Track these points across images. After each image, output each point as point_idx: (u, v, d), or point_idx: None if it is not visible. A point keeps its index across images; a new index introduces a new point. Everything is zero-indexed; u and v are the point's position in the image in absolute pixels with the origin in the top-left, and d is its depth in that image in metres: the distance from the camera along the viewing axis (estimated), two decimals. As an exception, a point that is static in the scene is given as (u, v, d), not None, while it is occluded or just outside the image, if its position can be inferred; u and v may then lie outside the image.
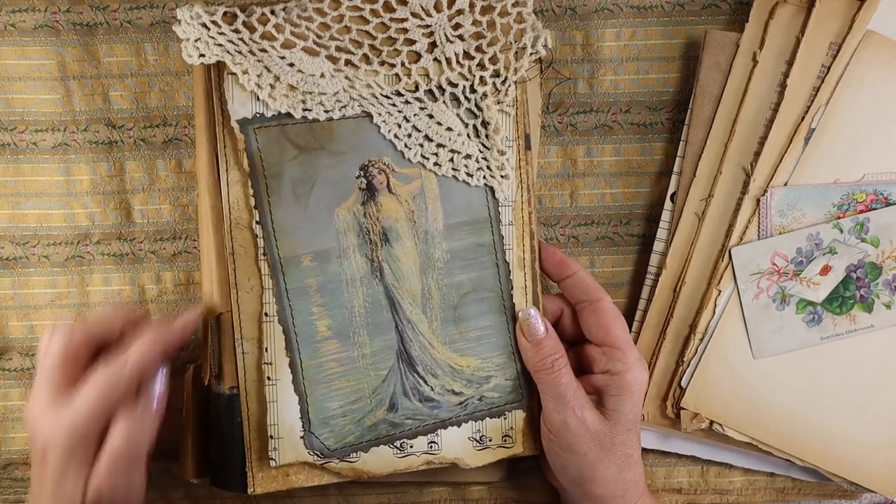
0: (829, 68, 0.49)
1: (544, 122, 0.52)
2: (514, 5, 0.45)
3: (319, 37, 0.44)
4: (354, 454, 0.46)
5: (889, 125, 0.50)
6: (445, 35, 0.45)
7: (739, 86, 0.50)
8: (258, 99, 0.44)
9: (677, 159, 0.52)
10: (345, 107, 0.45)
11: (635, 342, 0.52)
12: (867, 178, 0.50)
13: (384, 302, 0.46)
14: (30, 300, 0.52)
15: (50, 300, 0.53)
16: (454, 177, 0.47)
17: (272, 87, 0.44)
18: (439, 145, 0.46)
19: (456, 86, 0.46)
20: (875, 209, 0.50)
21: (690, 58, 0.52)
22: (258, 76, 0.44)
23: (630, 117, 0.53)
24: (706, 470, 0.55)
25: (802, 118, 0.50)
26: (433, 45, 0.46)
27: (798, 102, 0.50)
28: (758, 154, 0.50)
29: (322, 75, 0.44)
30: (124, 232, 0.52)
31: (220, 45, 0.43)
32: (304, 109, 0.44)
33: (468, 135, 0.46)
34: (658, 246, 0.52)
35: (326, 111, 0.45)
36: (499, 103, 0.46)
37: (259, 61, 0.44)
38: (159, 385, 0.43)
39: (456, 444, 0.48)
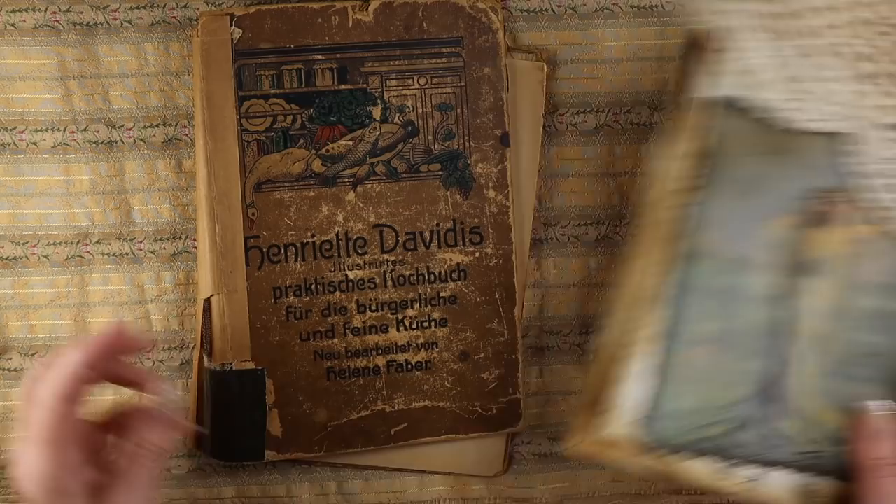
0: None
1: (545, 121, 0.52)
2: None
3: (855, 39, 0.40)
4: (684, 454, 0.43)
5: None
6: None
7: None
8: (749, 85, 0.40)
9: (679, 160, 0.51)
10: (825, 122, 0.40)
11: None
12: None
13: (781, 329, 0.42)
14: (29, 300, 0.52)
15: (49, 300, 0.53)
16: None
17: (767, 77, 0.40)
18: None
19: None
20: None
21: (691, 57, 0.52)
22: (760, 62, 0.39)
23: (630, 117, 0.53)
24: (707, 471, 0.55)
25: (807, 118, 0.49)
26: None
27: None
28: (763, 154, 0.50)
29: (834, 80, 0.40)
30: (124, 232, 0.52)
31: (741, 20, 0.39)
32: (787, 110, 0.40)
33: None
34: (661, 247, 0.52)
35: (807, 119, 0.40)
36: None
37: (767, 48, 0.39)
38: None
39: (781, 488, 0.44)
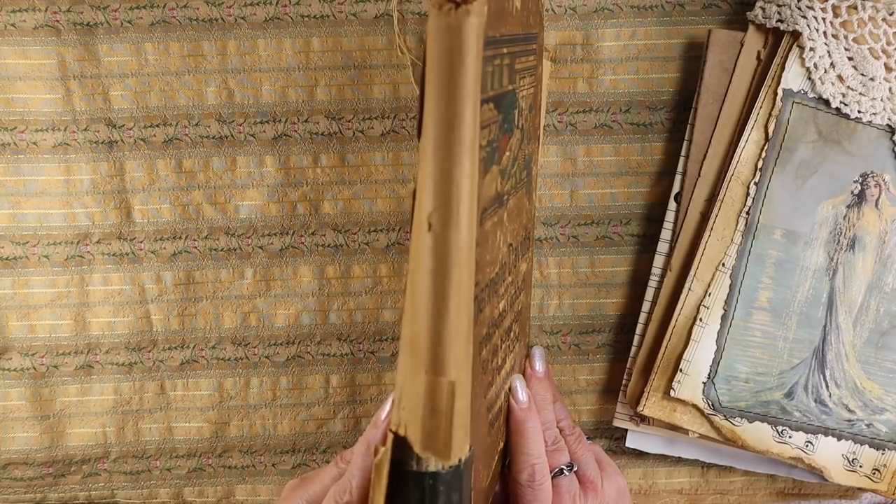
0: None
1: (545, 121, 0.52)
2: None
3: (889, 44, 0.48)
4: (739, 419, 0.50)
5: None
6: None
7: (744, 84, 0.50)
8: (809, 78, 0.48)
9: (681, 159, 0.51)
10: (875, 114, 0.48)
11: (639, 346, 0.52)
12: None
13: (824, 300, 0.50)
14: (29, 300, 0.53)
15: (50, 300, 0.53)
16: None
17: (825, 71, 0.48)
18: None
19: None
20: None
21: (690, 58, 0.52)
22: (819, 57, 0.48)
23: (630, 117, 0.53)
24: (707, 470, 0.55)
25: (809, 118, 0.50)
26: None
27: (806, 102, 0.50)
28: (767, 153, 0.50)
29: (872, 79, 0.48)
30: (124, 232, 0.52)
31: (805, 17, 0.47)
32: (842, 102, 0.48)
33: None
34: (661, 247, 0.52)
35: (859, 111, 0.48)
36: None
37: (826, 44, 0.48)
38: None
39: (829, 455, 0.51)
